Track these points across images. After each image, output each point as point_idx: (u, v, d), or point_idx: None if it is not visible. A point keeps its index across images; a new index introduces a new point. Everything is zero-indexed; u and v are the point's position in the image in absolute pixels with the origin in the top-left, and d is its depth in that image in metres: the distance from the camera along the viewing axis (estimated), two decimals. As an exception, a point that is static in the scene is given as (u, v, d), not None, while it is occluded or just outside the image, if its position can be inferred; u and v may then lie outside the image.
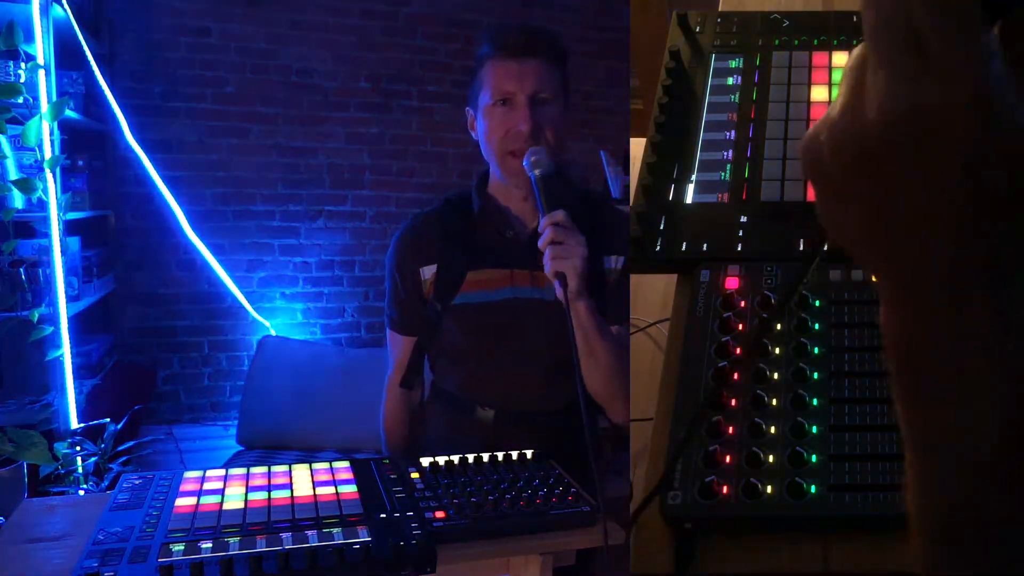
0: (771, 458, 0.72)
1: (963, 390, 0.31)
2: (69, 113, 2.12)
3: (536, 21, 3.25)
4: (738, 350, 0.81)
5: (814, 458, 0.72)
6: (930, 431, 0.33)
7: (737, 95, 1.05)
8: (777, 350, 0.80)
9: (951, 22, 0.29)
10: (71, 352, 2.02)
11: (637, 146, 1.04)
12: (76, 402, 2.04)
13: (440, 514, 0.91)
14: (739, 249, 0.89)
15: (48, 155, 1.94)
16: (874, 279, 0.34)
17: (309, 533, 0.85)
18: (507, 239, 1.24)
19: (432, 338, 1.29)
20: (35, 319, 1.90)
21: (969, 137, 0.28)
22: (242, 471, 1.02)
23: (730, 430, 0.75)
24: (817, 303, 0.83)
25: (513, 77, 1.17)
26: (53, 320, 1.98)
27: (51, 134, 1.97)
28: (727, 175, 0.96)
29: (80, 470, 1.90)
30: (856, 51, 0.32)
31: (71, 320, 2.04)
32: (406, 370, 1.33)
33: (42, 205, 1.96)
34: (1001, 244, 0.30)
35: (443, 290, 1.24)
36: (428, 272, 1.26)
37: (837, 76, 1.05)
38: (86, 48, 2.26)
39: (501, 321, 1.22)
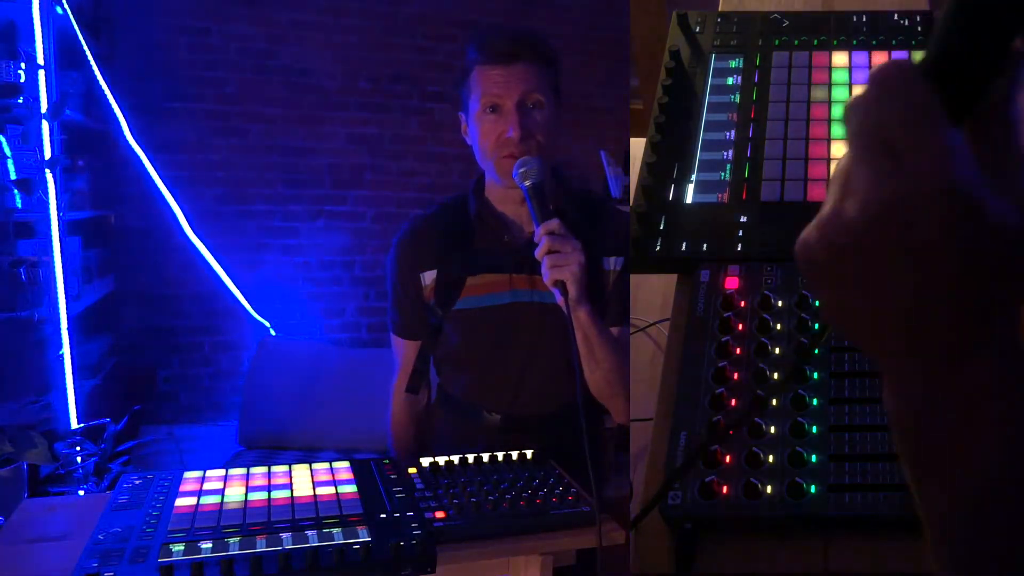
0: (771, 458, 0.72)
1: (970, 459, 0.34)
2: (69, 113, 2.12)
3: (536, 22, 3.25)
4: (738, 350, 0.81)
5: (814, 458, 0.72)
6: (945, 500, 0.35)
7: (737, 95, 1.05)
8: (777, 350, 0.80)
9: (916, 126, 0.32)
10: (71, 352, 2.02)
11: (637, 146, 1.04)
12: (76, 402, 2.04)
13: (440, 514, 0.91)
14: (739, 249, 0.89)
15: (48, 155, 1.95)
16: (878, 361, 0.37)
17: (309, 533, 0.85)
18: (505, 243, 1.24)
19: (435, 343, 1.29)
20: (35, 319, 1.90)
21: (940, 225, 0.31)
22: (242, 471, 1.02)
23: (730, 430, 0.75)
24: (817, 303, 0.83)
25: (500, 83, 1.16)
26: (53, 320, 1.98)
27: (51, 134, 1.97)
28: (727, 175, 0.96)
29: (80, 470, 1.90)
30: (841, 160, 0.36)
31: (71, 320, 2.04)
32: (411, 375, 1.33)
33: (42, 205, 1.96)
34: (976, 313, 0.33)
35: (443, 295, 1.24)
36: (428, 277, 1.26)
37: (837, 76, 1.05)
38: (86, 48, 2.26)
39: (503, 326, 1.22)
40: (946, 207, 0.31)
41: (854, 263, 0.34)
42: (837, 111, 1.00)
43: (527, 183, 1.10)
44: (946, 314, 0.33)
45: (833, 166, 0.84)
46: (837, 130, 0.98)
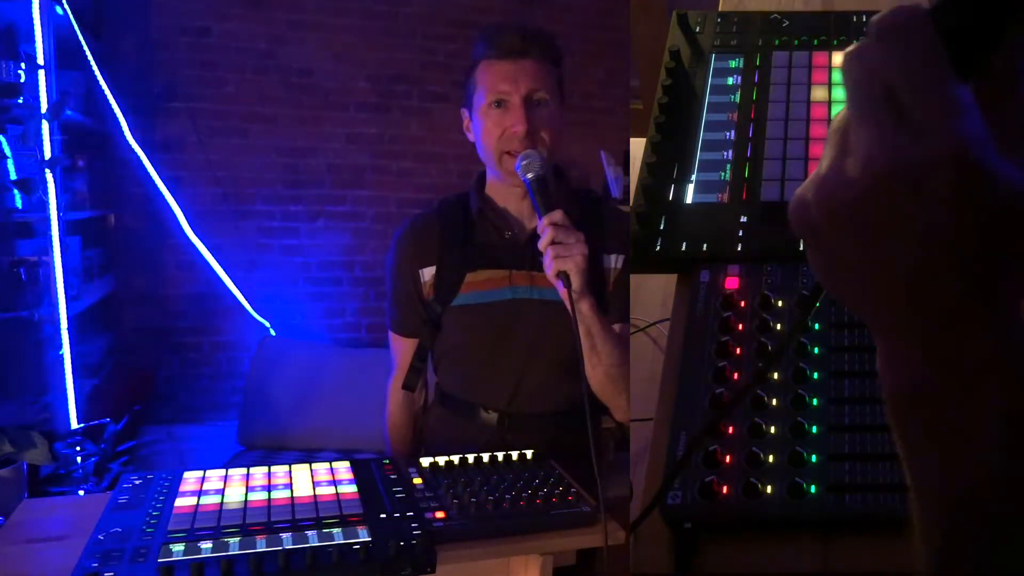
0: (771, 458, 0.72)
1: (969, 428, 0.32)
2: (69, 113, 2.12)
3: (536, 21, 3.25)
4: (738, 350, 0.81)
5: (814, 458, 0.72)
6: (937, 474, 0.34)
7: (737, 95, 1.05)
8: (777, 350, 0.80)
9: (922, 79, 0.30)
10: (71, 352, 2.02)
11: (637, 146, 1.04)
12: (76, 402, 2.04)
13: (440, 514, 0.91)
14: (739, 249, 0.89)
15: (48, 155, 1.95)
16: (873, 327, 0.35)
17: (309, 533, 0.84)
18: (506, 240, 1.24)
19: (433, 340, 1.29)
20: (35, 319, 1.90)
21: (947, 189, 0.29)
22: (242, 471, 1.02)
23: (730, 430, 0.75)
24: (817, 303, 0.83)
25: (508, 78, 1.17)
26: (53, 320, 1.98)
27: (51, 134, 1.97)
28: (727, 175, 0.96)
29: (80, 470, 1.90)
30: (840, 113, 0.34)
31: (71, 320, 2.04)
32: (407, 372, 1.33)
33: (42, 205, 1.96)
34: (981, 281, 0.31)
35: (442, 291, 1.24)
36: (427, 273, 1.26)
37: (837, 76, 1.05)
38: (86, 48, 2.26)
39: (501, 322, 1.22)
40: (955, 169, 0.29)
41: (855, 225, 0.32)
42: (837, 111, 1.00)
43: (529, 176, 1.11)
44: (950, 280, 0.31)
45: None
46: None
